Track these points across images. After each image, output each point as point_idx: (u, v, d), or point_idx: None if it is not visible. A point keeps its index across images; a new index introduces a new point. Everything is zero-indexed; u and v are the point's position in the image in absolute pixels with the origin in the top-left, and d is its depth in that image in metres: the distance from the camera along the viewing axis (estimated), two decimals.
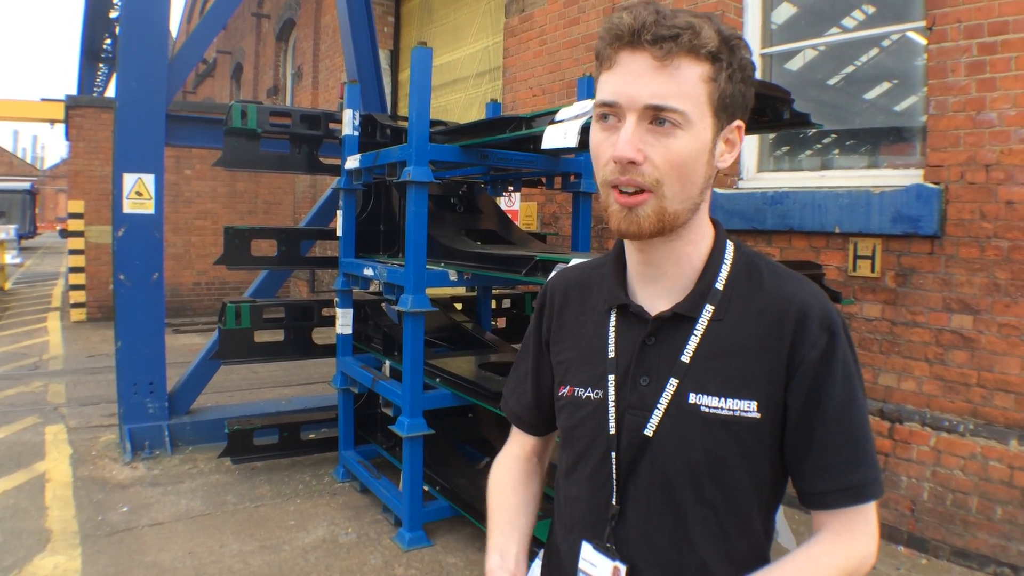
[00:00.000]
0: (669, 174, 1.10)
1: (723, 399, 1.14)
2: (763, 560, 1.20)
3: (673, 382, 1.16)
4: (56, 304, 14.49)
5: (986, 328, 3.83)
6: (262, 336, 5.19)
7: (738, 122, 1.18)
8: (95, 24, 17.63)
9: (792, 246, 4.66)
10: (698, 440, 1.14)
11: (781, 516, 4.66)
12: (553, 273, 1.48)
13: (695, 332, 1.18)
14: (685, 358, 1.17)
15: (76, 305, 11.97)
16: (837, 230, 4.35)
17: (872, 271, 4.25)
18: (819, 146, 5.08)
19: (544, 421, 1.45)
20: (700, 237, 1.22)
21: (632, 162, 1.08)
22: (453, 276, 4.02)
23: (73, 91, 26.03)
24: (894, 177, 4.31)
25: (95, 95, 26.78)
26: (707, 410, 1.14)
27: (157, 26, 5.63)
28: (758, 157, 5.20)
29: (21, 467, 5.19)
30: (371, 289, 5.05)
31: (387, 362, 4.62)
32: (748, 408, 1.13)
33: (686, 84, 1.08)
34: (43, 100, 26.87)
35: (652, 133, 1.09)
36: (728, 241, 1.25)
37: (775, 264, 1.25)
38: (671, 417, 1.16)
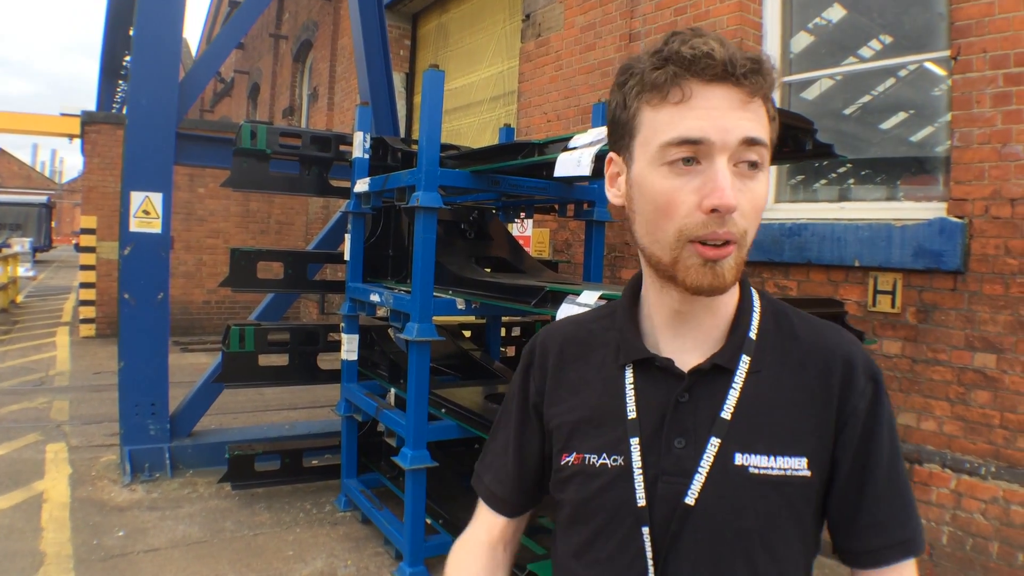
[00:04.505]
0: (753, 222, 1.01)
1: (772, 457, 1.03)
2: None
3: (715, 442, 1.04)
4: (66, 319, 14.50)
5: (1010, 367, 3.70)
6: (267, 360, 5.11)
7: None
8: (115, 42, 17.78)
9: (810, 279, 4.55)
10: (749, 506, 1.02)
11: None
12: (543, 329, 1.33)
13: (734, 386, 1.06)
14: (726, 414, 1.05)
15: (85, 320, 11.96)
16: (857, 264, 4.24)
17: (892, 306, 4.13)
18: (836, 176, 4.97)
19: (522, 499, 1.29)
20: None
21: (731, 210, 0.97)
22: (461, 305, 3.92)
23: (92, 107, 26.22)
24: (916, 210, 4.20)
25: (114, 112, 27.02)
26: (756, 471, 1.03)
27: (168, 45, 5.61)
28: (776, 187, 5.10)
29: (19, 486, 5.11)
30: (379, 314, 4.96)
31: (392, 390, 4.52)
32: (799, 466, 1.03)
33: (764, 122, 1.00)
34: (62, 115, 27.13)
35: (739, 177, 0.98)
36: (751, 287, 1.16)
37: (801, 312, 1.16)
38: (715, 482, 1.03)
